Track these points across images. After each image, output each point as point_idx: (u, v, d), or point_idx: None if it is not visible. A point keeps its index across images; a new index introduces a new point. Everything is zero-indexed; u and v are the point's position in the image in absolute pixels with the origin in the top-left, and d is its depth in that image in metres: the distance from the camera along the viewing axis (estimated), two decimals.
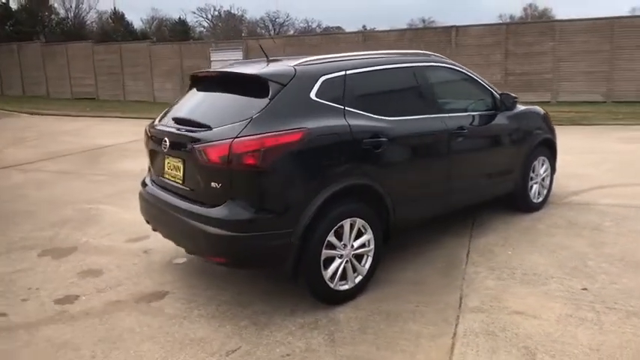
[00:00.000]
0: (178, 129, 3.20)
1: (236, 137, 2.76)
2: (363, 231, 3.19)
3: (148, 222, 3.69)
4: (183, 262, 3.96)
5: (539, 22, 15.10)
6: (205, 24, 47.06)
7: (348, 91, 3.20)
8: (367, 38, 17.23)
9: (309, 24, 50.52)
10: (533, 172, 4.77)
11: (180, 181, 3.17)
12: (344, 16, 68.45)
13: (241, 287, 3.46)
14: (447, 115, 3.81)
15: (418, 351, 2.65)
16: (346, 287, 3.16)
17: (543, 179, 4.94)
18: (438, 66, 4.02)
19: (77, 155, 8.84)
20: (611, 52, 13.90)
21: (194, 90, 3.60)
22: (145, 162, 3.88)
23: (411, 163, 3.50)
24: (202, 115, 3.22)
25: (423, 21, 52.12)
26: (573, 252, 3.87)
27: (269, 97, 2.92)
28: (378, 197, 3.23)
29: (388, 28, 16.56)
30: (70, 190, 6.37)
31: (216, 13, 47.03)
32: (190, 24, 40.64)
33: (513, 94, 4.37)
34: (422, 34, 16.59)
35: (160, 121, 3.53)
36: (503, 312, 3.01)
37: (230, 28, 43.44)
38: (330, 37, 18.40)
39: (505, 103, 4.27)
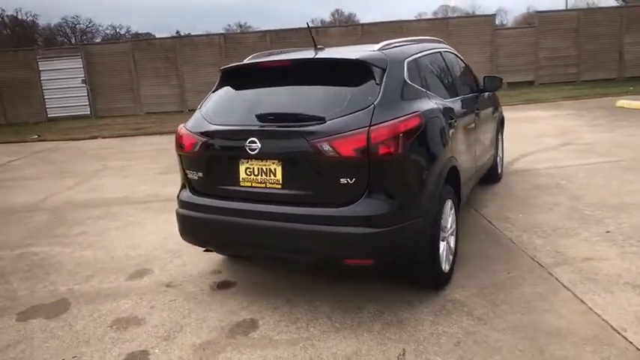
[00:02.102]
0: (278, 126, 2.81)
1: (372, 125, 2.58)
2: (451, 210, 3.28)
3: (205, 244, 3.14)
4: (224, 280, 3.46)
5: (389, 22, 16.81)
6: None
7: (422, 74, 3.27)
8: (228, 41, 16.90)
9: (117, 30, 46.69)
10: (500, 146, 5.48)
11: (279, 186, 2.79)
12: (156, 21, 65.50)
13: (319, 293, 3.21)
14: (469, 95, 4.14)
15: (556, 307, 2.88)
16: (447, 269, 3.22)
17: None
18: (449, 51, 4.33)
19: None
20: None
21: (247, 83, 3.18)
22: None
23: (464, 142, 3.71)
24: (296, 107, 2.88)
25: (240, 25, 53.09)
26: (565, 207, 4.60)
27: (377, 82, 2.79)
28: (457, 176, 3.36)
29: (203, 32, 16.32)
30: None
31: None
32: None
33: (499, 76, 4.94)
34: (284, 35, 16.96)
35: (216, 124, 3.01)
36: (577, 261, 3.45)
37: (20, 36, 37.32)
38: (186, 39, 17.46)
39: (489, 85, 4.80)
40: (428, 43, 4.02)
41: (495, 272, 3.39)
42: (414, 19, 17.17)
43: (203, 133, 3.01)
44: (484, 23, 16.35)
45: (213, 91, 3.35)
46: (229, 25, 50.68)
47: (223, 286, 3.50)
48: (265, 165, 2.81)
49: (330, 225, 2.63)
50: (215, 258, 3.97)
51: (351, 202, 2.63)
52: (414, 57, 3.26)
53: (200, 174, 3.09)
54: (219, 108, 3.14)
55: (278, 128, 2.81)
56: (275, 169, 2.79)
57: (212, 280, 3.59)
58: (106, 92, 16.74)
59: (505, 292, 3.11)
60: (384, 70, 2.85)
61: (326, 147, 2.60)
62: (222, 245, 3.14)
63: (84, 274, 3.89)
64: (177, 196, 3.31)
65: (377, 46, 3.11)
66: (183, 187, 3.32)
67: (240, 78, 3.25)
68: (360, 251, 2.65)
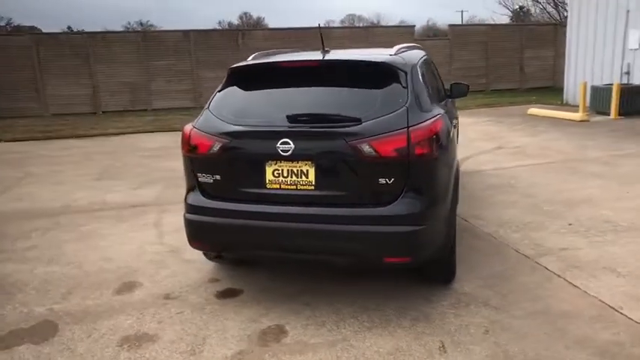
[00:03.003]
0: (313, 126, 2.78)
1: (409, 126, 2.67)
2: None
3: (222, 250, 3.01)
4: (227, 289, 3.34)
5: (317, 28, 17.06)
6: None
7: (425, 79, 3.44)
8: (147, 39, 16.01)
9: None
10: None
11: (312, 187, 2.77)
12: (41, 14, 60.15)
13: (334, 294, 3.24)
14: (446, 100, 4.41)
15: (556, 293, 3.19)
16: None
17: None
18: (428, 58, 4.58)
19: None
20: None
21: (267, 82, 3.11)
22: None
23: (453, 147, 3.95)
24: (326, 108, 2.88)
25: (141, 24, 50.63)
26: (524, 204, 5.08)
27: (403, 85, 2.90)
28: (458, 177, 3.58)
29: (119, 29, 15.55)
30: None
31: None
32: None
33: (466, 83, 5.29)
34: (208, 35, 16.49)
35: (239, 124, 2.90)
36: (556, 251, 3.85)
37: None
38: (100, 36, 16.21)
39: (455, 91, 5.12)
40: (417, 49, 4.22)
41: (489, 265, 3.67)
42: (339, 26, 17.66)
43: (224, 134, 2.89)
44: (405, 33, 17.34)
45: (221, 90, 3.22)
46: (129, 23, 48.07)
47: (229, 294, 3.37)
48: (296, 166, 2.78)
49: (370, 225, 2.68)
50: (206, 267, 3.79)
51: (390, 202, 2.71)
52: (420, 62, 3.43)
53: (217, 177, 2.95)
54: (238, 108, 3.03)
55: (313, 129, 2.80)
56: (307, 171, 2.77)
57: (214, 289, 3.44)
58: (2, 90, 14.96)
59: (507, 282, 3.39)
60: (406, 74, 2.97)
61: (366, 148, 2.65)
62: (243, 249, 3.03)
63: (57, 291, 3.50)
64: (185, 200, 3.13)
65: (393, 50, 3.23)
66: (190, 190, 3.15)
67: (258, 77, 3.17)
68: (401, 249, 2.73)
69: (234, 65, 3.22)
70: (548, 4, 24.55)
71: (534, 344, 2.65)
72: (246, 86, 3.15)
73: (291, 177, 2.80)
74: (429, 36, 30.58)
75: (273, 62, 3.24)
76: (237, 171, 2.93)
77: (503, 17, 32.57)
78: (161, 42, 15.87)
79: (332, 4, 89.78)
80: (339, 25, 25.42)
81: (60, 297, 3.42)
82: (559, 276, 3.43)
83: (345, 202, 2.75)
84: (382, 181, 2.69)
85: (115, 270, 3.84)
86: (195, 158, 3.02)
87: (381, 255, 2.77)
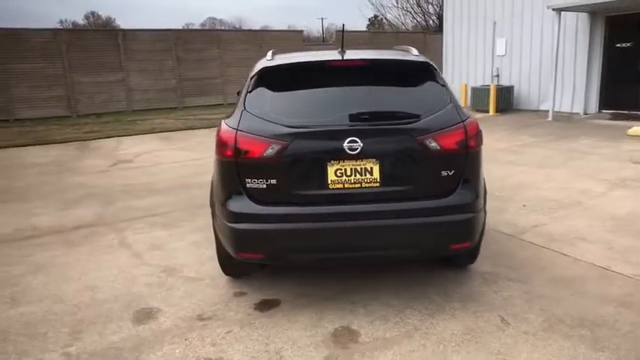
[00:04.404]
0: (377, 124, 2.80)
1: (463, 121, 2.89)
2: None
3: (277, 259, 2.90)
4: (263, 300, 3.23)
5: (205, 31, 16.53)
6: None
7: None
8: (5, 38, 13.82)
9: None
10: None
11: (377, 184, 2.81)
12: None
13: (372, 290, 3.35)
14: None
15: (555, 262, 3.71)
16: None
17: None
18: None
19: None
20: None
21: (309, 81, 3.06)
22: None
23: None
24: (380, 105, 2.94)
25: None
26: None
27: (440, 83, 3.11)
28: None
29: None
30: None
31: None
32: None
33: None
34: (82, 35, 14.85)
35: (296, 125, 2.82)
36: (529, 229, 4.43)
37: None
38: None
39: None
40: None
41: (485, 246, 4.01)
42: (232, 29, 17.35)
43: (281, 136, 2.78)
44: (295, 37, 17.74)
45: (252, 91, 3.07)
46: None
47: (268, 305, 3.23)
48: (360, 164, 2.81)
49: (436, 216, 2.84)
50: (219, 282, 3.57)
51: (451, 192, 2.90)
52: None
53: (273, 181, 2.83)
54: (287, 108, 2.93)
55: (379, 126, 2.84)
56: (372, 168, 2.82)
57: (249, 303, 3.26)
58: None
59: (510, 259, 3.82)
60: (439, 73, 3.20)
61: (431, 142, 2.81)
62: (306, 254, 2.92)
63: (59, 332, 2.98)
64: (226, 209, 2.92)
65: (415, 51, 3.42)
66: (227, 198, 2.95)
67: (299, 76, 3.09)
68: (464, 236, 2.94)
69: (268, 65, 3.10)
70: (416, 13, 27.23)
71: (570, 305, 3.09)
72: (286, 86, 3.05)
73: (355, 175, 2.82)
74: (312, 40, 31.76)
75: (319, 61, 3.19)
76: (294, 173, 2.84)
77: (359, 24, 35.30)
78: (24, 42, 13.82)
79: (190, 6, 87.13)
80: (233, 28, 24.95)
81: (68, 338, 2.92)
82: (547, 248, 3.99)
83: (410, 196, 2.87)
84: (444, 173, 2.87)
85: (114, 299, 3.38)
86: (243, 163, 2.85)
87: (447, 243, 2.95)
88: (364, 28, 39.53)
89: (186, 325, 3.01)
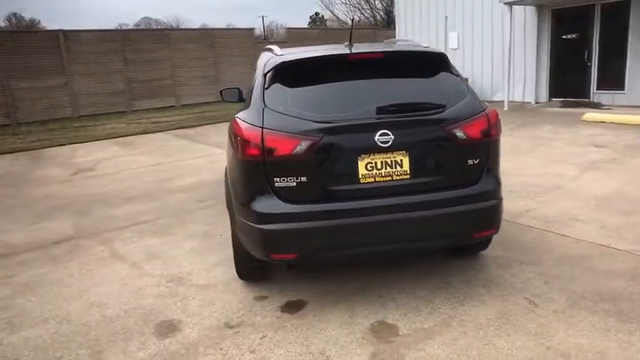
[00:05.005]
0: (406, 116, 2.80)
1: (484, 110, 2.96)
2: None
3: (307, 258, 2.86)
4: (288, 302, 3.16)
5: (153, 30, 15.87)
6: None
7: None
8: None
9: None
10: None
11: (407, 176, 2.82)
12: None
13: (395, 282, 3.37)
14: None
15: (557, 243, 3.89)
16: None
17: None
18: None
19: None
20: (214, 58, 16.77)
21: (329, 75, 3.00)
22: None
23: None
24: (404, 97, 2.93)
25: None
26: None
27: (454, 73, 3.16)
28: None
29: None
30: None
31: None
32: None
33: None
34: (18, 37, 13.81)
35: (325, 120, 2.77)
36: (524, 214, 4.61)
37: None
38: None
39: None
40: None
41: None
42: (182, 28, 16.75)
43: (312, 132, 2.72)
44: (246, 35, 17.44)
45: (268, 87, 2.98)
46: None
47: (296, 306, 3.16)
48: (391, 157, 2.80)
49: (464, 204, 2.89)
50: (235, 287, 3.46)
51: (477, 180, 2.96)
52: None
53: (303, 178, 2.76)
54: (311, 103, 2.86)
55: (409, 117, 2.84)
56: (402, 160, 2.82)
57: (274, 306, 3.17)
58: None
59: (516, 243, 3.96)
60: (452, 64, 3.25)
61: (459, 132, 2.85)
62: (341, 250, 2.87)
63: (77, 355, 2.77)
64: (252, 211, 2.82)
65: (424, 43, 3.46)
66: (251, 200, 2.86)
67: (318, 71, 3.02)
68: (491, 222, 3.01)
69: (285, 59, 3.02)
70: (364, 9, 27.60)
71: (585, 282, 3.25)
72: (306, 81, 2.99)
73: (386, 168, 2.81)
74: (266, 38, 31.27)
75: (338, 54, 3.14)
76: (325, 169, 2.79)
77: (301, 22, 35.43)
78: None
79: (122, 7, 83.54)
80: (183, 28, 24.22)
81: (90, 359, 2.72)
82: (547, 231, 4.18)
83: (440, 186, 2.90)
84: (470, 162, 2.92)
85: (126, 314, 3.18)
86: (272, 161, 2.76)
87: (474, 231, 3.01)
88: (306, 25, 39.67)
89: (216, 335, 2.89)
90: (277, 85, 3.00)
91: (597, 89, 10.89)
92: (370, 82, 3.07)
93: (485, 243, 3.62)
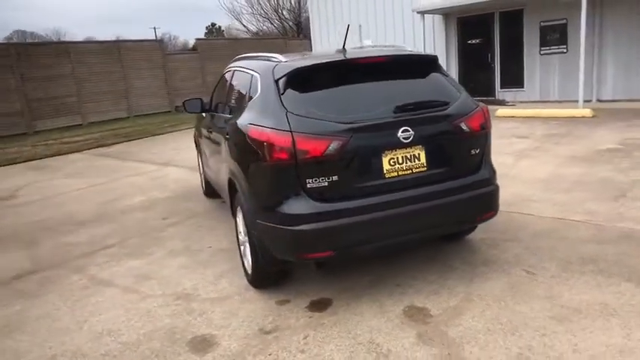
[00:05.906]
0: (421, 113, 3.04)
1: (479, 106, 3.30)
2: None
3: (347, 253, 2.98)
4: (312, 301, 3.26)
5: (52, 43, 14.59)
6: None
7: None
8: None
9: None
10: None
11: (424, 168, 3.06)
12: None
13: (403, 270, 3.61)
14: None
15: (540, 224, 4.36)
16: None
17: None
18: None
19: None
20: (123, 72, 15.89)
21: (339, 79, 3.16)
22: None
23: None
24: (412, 96, 3.17)
25: None
26: None
27: (444, 74, 3.48)
28: None
29: None
30: None
31: None
32: None
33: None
34: None
35: (350, 121, 2.91)
36: (517, 202, 5.09)
37: None
38: None
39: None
40: None
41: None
42: (84, 40, 15.56)
43: (340, 132, 2.85)
44: (153, 48, 16.73)
45: (283, 92, 3.06)
46: None
47: (323, 305, 3.24)
48: (410, 152, 3.03)
49: (471, 190, 3.20)
50: (250, 295, 3.46)
51: (478, 168, 3.29)
52: None
53: (334, 177, 2.88)
54: (331, 105, 2.98)
55: (425, 114, 3.07)
56: (419, 154, 3.06)
57: (301, 307, 3.23)
58: None
59: (491, 224, 4.34)
60: (442, 66, 3.59)
61: (464, 125, 3.16)
62: (372, 244, 3.00)
63: None
64: (283, 213, 2.89)
65: (408, 47, 3.75)
66: (279, 203, 2.92)
67: (329, 75, 3.15)
68: (492, 206, 3.35)
69: (300, 65, 3.12)
70: (273, 19, 27.78)
71: (565, 250, 3.73)
72: (321, 85, 3.11)
73: (406, 162, 3.03)
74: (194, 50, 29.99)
75: (348, 59, 3.28)
76: (354, 167, 2.93)
77: (194, 33, 34.89)
78: None
79: None
80: (85, 41, 22.45)
81: None
82: (511, 212, 4.68)
83: (449, 175, 3.18)
84: (473, 152, 3.25)
85: (147, 338, 3.03)
86: (304, 163, 2.84)
87: (479, 214, 3.33)
88: (202, 36, 38.90)
89: (257, 342, 2.88)
90: (294, 90, 3.09)
91: (501, 88, 12.23)
92: (379, 84, 3.29)
93: (472, 228, 4.01)
